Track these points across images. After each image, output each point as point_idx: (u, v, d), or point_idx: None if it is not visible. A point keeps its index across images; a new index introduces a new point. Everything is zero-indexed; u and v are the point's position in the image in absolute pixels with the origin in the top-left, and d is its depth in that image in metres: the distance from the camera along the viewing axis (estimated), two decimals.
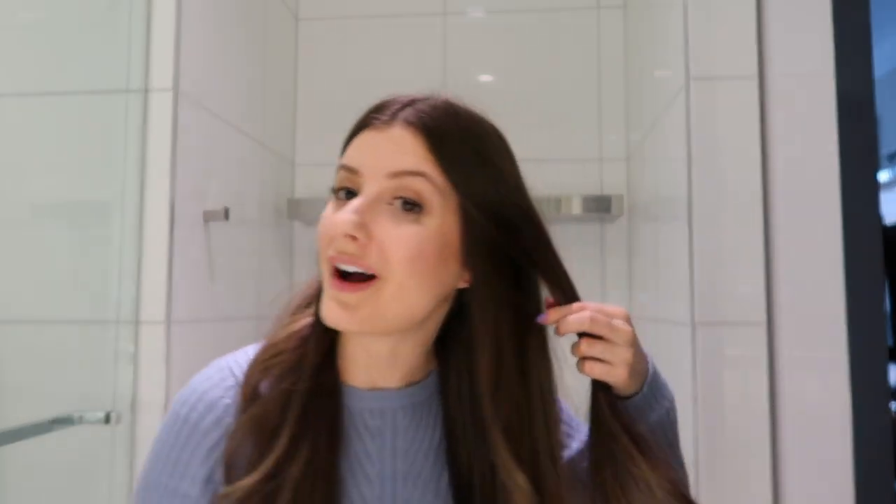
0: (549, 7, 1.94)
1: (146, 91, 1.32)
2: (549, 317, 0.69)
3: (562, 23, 1.93)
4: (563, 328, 0.68)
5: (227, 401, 0.66)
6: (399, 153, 0.62)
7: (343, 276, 0.62)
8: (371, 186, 0.62)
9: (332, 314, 0.62)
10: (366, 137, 0.65)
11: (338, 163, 0.66)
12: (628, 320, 0.69)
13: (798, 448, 1.15)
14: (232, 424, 0.65)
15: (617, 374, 0.67)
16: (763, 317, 1.18)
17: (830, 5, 1.20)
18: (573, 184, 1.88)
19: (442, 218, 0.63)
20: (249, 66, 1.71)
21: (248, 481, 0.62)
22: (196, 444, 0.65)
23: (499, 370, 0.66)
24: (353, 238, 0.60)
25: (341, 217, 0.61)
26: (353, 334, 0.67)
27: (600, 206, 1.76)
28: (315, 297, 0.68)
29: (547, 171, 1.89)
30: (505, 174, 0.68)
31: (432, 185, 0.62)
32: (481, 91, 1.94)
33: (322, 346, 0.68)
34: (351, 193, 0.64)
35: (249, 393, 0.66)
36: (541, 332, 0.70)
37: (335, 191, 0.65)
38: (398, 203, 0.62)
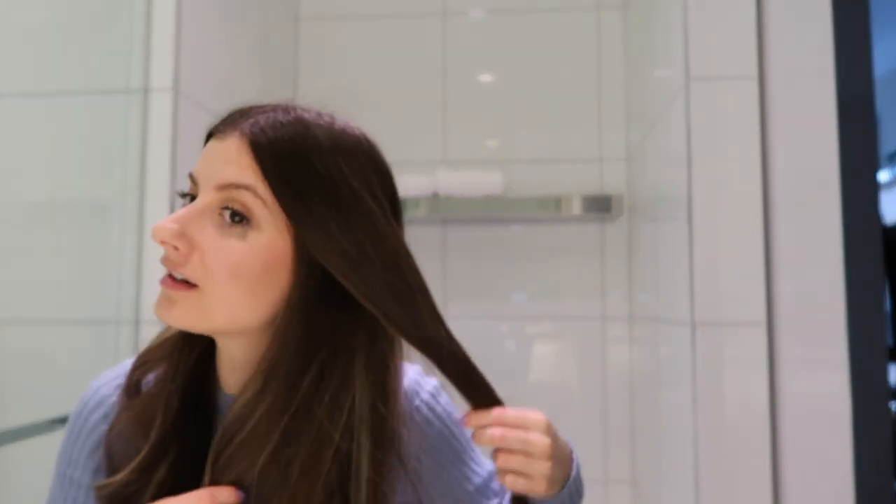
0: (549, 7, 1.94)
1: (146, 91, 1.32)
2: (468, 422, 0.67)
3: (562, 23, 1.93)
4: (477, 440, 0.66)
5: (114, 398, 0.70)
6: (228, 165, 0.62)
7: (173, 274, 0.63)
8: (202, 196, 0.63)
9: (159, 308, 0.64)
10: (209, 146, 0.65)
11: None
12: (548, 429, 0.67)
13: (798, 448, 1.15)
14: (108, 413, 0.69)
15: (535, 487, 0.66)
16: (763, 317, 1.18)
17: (830, 5, 1.20)
18: (573, 184, 1.88)
19: (270, 233, 0.62)
20: (249, 66, 1.71)
21: (118, 477, 0.64)
22: (85, 437, 0.70)
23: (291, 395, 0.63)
24: (175, 248, 0.62)
25: (160, 224, 0.61)
26: (218, 338, 0.68)
27: (600, 206, 1.76)
28: None
29: (547, 171, 1.89)
30: (345, 200, 0.62)
31: (260, 200, 0.61)
32: (481, 91, 1.95)
33: (192, 352, 0.69)
34: (193, 199, 0.65)
35: (130, 391, 0.69)
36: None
37: (182, 196, 0.66)
38: (227, 214, 0.62)
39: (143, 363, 0.70)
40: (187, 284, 0.62)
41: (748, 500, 1.17)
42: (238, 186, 0.61)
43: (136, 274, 1.29)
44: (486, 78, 1.96)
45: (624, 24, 1.91)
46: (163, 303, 0.63)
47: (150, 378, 0.70)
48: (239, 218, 0.61)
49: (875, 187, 1.19)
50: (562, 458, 0.69)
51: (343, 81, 1.97)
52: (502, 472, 0.66)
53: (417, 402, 0.75)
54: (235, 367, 0.68)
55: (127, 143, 1.31)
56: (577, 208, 1.76)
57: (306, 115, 0.64)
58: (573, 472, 0.71)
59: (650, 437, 1.62)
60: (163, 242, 0.62)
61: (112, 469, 0.66)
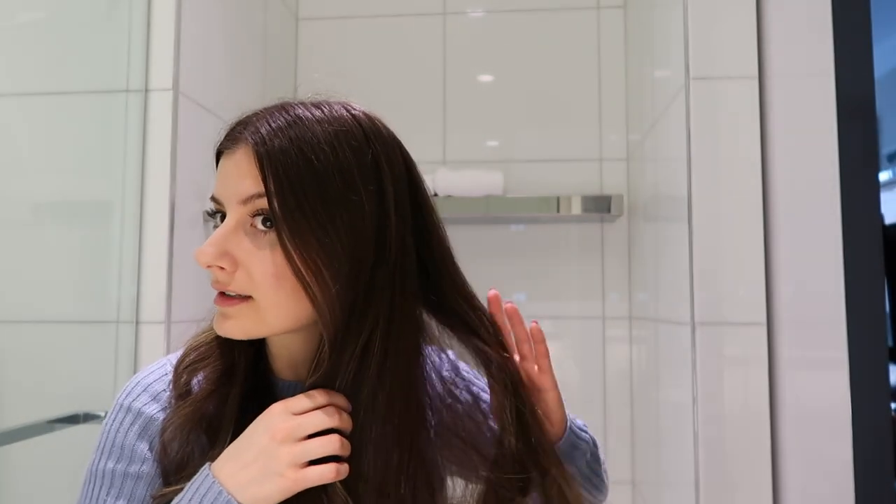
0: (549, 7, 1.94)
1: (146, 91, 1.32)
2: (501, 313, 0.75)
3: (562, 23, 1.93)
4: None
5: (162, 386, 0.71)
6: (242, 178, 0.64)
7: (225, 292, 0.66)
8: (230, 214, 0.65)
9: (219, 325, 0.67)
10: (221, 165, 0.67)
11: None
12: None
13: (798, 448, 1.15)
14: (167, 407, 0.69)
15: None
16: (763, 317, 1.18)
17: (830, 5, 1.20)
18: (573, 184, 1.88)
19: None
20: (249, 66, 1.71)
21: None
22: (141, 428, 0.69)
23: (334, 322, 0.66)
24: (220, 268, 0.64)
25: (201, 249, 0.64)
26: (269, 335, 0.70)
27: (600, 206, 1.76)
28: None
29: (547, 171, 1.89)
30: (333, 195, 0.63)
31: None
32: (481, 91, 1.95)
33: (250, 348, 0.72)
34: (223, 217, 0.67)
35: (179, 391, 0.70)
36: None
37: (211, 215, 0.69)
38: (259, 221, 0.64)
39: (190, 365, 0.72)
40: (240, 298, 0.65)
41: (748, 500, 1.17)
42: (259, 196, 0.63)
43: (136, 274, 1.29)
44: (486, 78, 1.96)
45: (624, 24, 1.91)
46: (221, 320, 0.66)
47: (197, 378, 0.71)
48: (270, 223, 0.64)
49: (875, 187, 1.19)
50: (559, 411, 0.75)
51: (343, 82, 1.97)
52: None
53: (444, 372, 0.77)
54: (293, 357, 0.71)
55: (127, 143, 1.31)
56: (577, 208, 1.76)
57: (301, 112, 0.66)
58: (570, 428, 0.76)
59: (650, 437, 1.62)
60: (207, 266, 0.65)
61: (167, 465, 0.68)
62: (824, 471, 1.14)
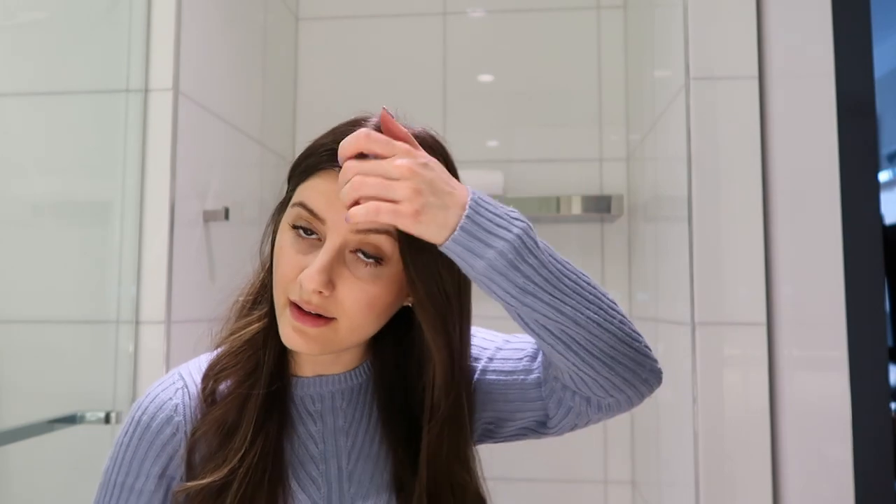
0: (549, 7, 1.94)
1: (146, 91, 1.32)
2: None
3: (562, 23, 1.93)
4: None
5: (176, 401, 0.72)
6: None
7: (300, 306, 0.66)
8: (334, 238, 0.64)
9: (291, 340, 0.66)
10: (331, 185, 0.64)
11: (294, 196, 0.68)
12: (411, 154, 0.61)
13: (798, 448, 1.15)
14: (182, 423, 0.71)
15: (404, 215, 0.58)
16: (763, 317, 1.18)
17: (830, 5, 1.20)
18: (573, 184, 1.88)
19: (397, 265, 0.66)
20: (249, 65, 1.71)
21: (211, 478, 0.68)
22: (149, 443, 0.71)
23: (452, 367, 0.70)
24: (320, 292, 0.64)
25: (310, 275, 0.63)
26: None
27: (600, 206, 1.76)
28: (258, 298, 0.75)
29: (547, 171, 1.89)
30: None
31: (393, 238, 0.65)
32: (481, 91, 1.95)
33: (276, 351, 0.73)
34: (309, 231, 0.66)
35: (208, 396, 0.72)
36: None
37: (294, 227, 0.67)
38: (360, 254, 0.65)
39: (219, 373, 0.73)
40: (323, 319, 0.66)
41: (748, 500, 1.17)
42: (378, 232, 0.64)
43: (136, 274, 1.29)
44: (486, 78, 1.96)
45: (624, 24, 1.91)
46: (295, 336, 0.66)
47: (224, 384, 0.73)
48: (373, 259, 0.65)
49: (875, 187, 1.19)
50: (447, 194, 0.60)
51: (343, 81, 1.97)
52: (364, 202, 0.59)
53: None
54: (318, 360, 0.74)
55: (127, 143, 1.31)
56: (577, 208, 1.76)
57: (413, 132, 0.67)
58: (468, 211, 0.60)
59: (650, 437, 1.62)
60: (314, 291, 0.64)
61: (191, 470, 0.70)
62: (824, 471, 1.14)
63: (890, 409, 1.17)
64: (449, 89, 1.95)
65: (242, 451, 0.69)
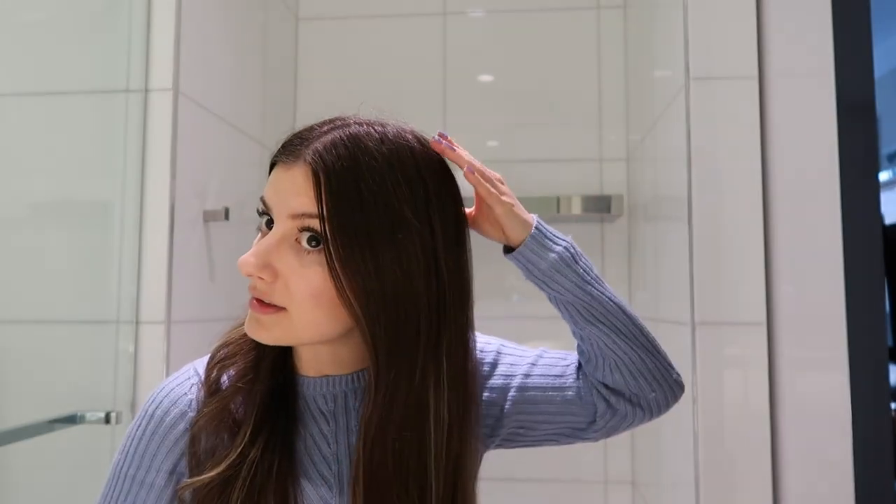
0: (550, 7, 1.94)
1: (146, 91, 1.32)
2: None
3: (562, 23, 1.93)
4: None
5: (190, 396, 0.72)
6: (297, 194, 0.65)
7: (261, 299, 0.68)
8: (278, 226, 0.67)
9: (251, 330, 0.68)
10: (276, 175, 0.68)
11: None
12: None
13: (798, 448, 1.15)
14: (194, 418, 0.71)
15: (493, 197, 0.81)
16: (763, 317, 1.18)
17: (830, 5, 1.20)
18: (573, 184, 1.88)
19: None
20: (249, 66, 1.71)
21: (211, 473, 0.68)
22: (161, 437, 0.71)
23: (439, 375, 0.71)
24: (261, 277, 0.66)
25: (244, 259, 0.66)
26: None
27: (600, 206, 1.76)
28: None
29: (547, 171, 1.89)
30: (399, 232, 0.66)
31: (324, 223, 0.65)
32: (481, 91, 1.95)
33: (276, 348, 0.73)
34: (270, 223, 0.68)
35: (210, 388, 0.72)
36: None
37: (260, 215, 0.70)
38: (304, 239, 0.66)
39: (220, 362, 0.74)
40: (275, 307, 0.67)
41: (748, 500, 1.17)
42: (311, 216, 0.64)
43: (136, 274, 1.29)
44: (486, 78, 1.96)
45: (624, 24, 1.91)
46: (253, 325, 0.68)
47: (227, 375, 0.73)
48: (316, 242, 0.65)
49: (875, 187, 1.19)
50: (523, 216, 0.80)
51: (343, 81, 1.97)
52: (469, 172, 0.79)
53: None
54: (319, 357, 0.74)
55: (127, 143, 1.31)
56: (577, 208, 1.76)
57: (363, 136, 0.67)
58: (536, 229, 0.80)
59: (650, 437, 1.62)
60: (248, 275, 0.66)
61: (196, 463, 0.70)
62: (824, 470, 1.14)
63: (890, 409, 1.17)
64: (449, 89, 1.95)
65: (242, 446, 0.69)
